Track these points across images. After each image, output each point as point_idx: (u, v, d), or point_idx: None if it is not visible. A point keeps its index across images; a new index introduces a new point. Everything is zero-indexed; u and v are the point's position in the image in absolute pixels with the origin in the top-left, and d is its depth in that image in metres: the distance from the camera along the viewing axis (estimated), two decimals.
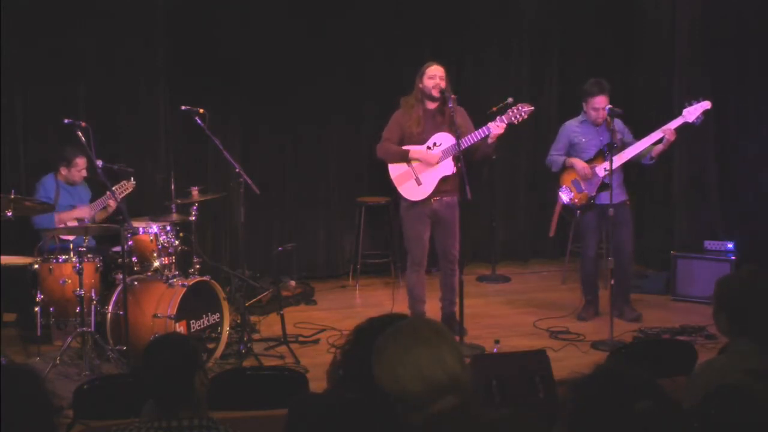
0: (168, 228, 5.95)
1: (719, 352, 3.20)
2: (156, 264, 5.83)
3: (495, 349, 5.51)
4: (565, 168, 6.54)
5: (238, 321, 5.97)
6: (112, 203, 6.27)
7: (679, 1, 7.82)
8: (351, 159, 8.18)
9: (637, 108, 7.65)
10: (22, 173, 6.87)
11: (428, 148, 5.98)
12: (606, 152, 6.23)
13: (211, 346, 5.66)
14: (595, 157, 6.40)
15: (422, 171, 5.98)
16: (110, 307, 5.55)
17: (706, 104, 6.20)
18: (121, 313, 5.45)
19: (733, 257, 6.96)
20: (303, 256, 7.91)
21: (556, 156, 6.61)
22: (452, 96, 5.89)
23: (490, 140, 5.88)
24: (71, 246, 5.62)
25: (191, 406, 2.70)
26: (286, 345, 5.85)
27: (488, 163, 7.93)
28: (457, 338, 5.42)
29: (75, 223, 6.18)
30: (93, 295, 5.53)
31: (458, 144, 5.73)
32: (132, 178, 6.35)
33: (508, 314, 6.93)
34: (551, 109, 8.70)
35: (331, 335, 6.20)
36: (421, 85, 5.96)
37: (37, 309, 5.50)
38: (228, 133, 7.47)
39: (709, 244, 7.17)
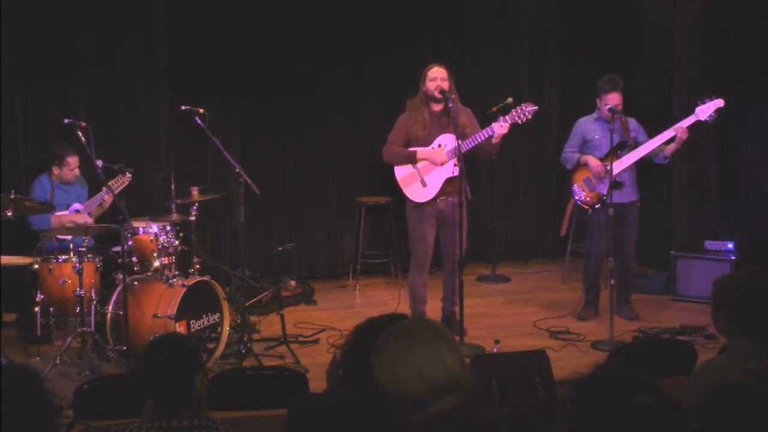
0: (168, 228, 5.95)
1: (719, 352, 3.19)
2: (156, 264, 5.83)
3: (495, 349, 5.51)
4: (579, 165, 6.52)
5: (238, 321, 5.97)
6: (108, 198, 6.25)
7: (679, 1, 7.82)
8: (351, 159, 8.18)
9: (637, 108, 7.62)
10: (22, 173, 6.87)
11: (433, 149, 5.99)
12: (618, 150, 6.27)
13: (211, 346, 5.66)
14: (608, 155, 6.39)
15: (427, 173, 5.99)
16: (110, 307, 5.55)
17: (719, 102, 6.17)
18: (121, 313, 5.45)
19: (733, 257, 6.96)
20: (303, 256, 7.91)
21: (570, 153, 6.60)
22: (452, 96, 5.90)
23: (494, 140, 5.89)
24: (71, 246, 5.62)
25: (191, 406, 2.70)
26: (286, 345, 5.85)
27: (488, 163, 7.93)
28: (457, 338, 5.42)
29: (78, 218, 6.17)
30: (93, 295, 5.53)
31: (458, 146, 5.72)
32: (128, 173, 6.32)
33: (508, 314, 6.93)
34: (551, 109, 8.70)
35: (331, 335, 6.20)
36: (423, 88, 5.98)
37: (37, 309, 5.50)
38: (228, 133, 7.47)
39: (709, 244, 7.17)
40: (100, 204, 6.35)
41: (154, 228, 5.88)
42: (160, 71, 7.41)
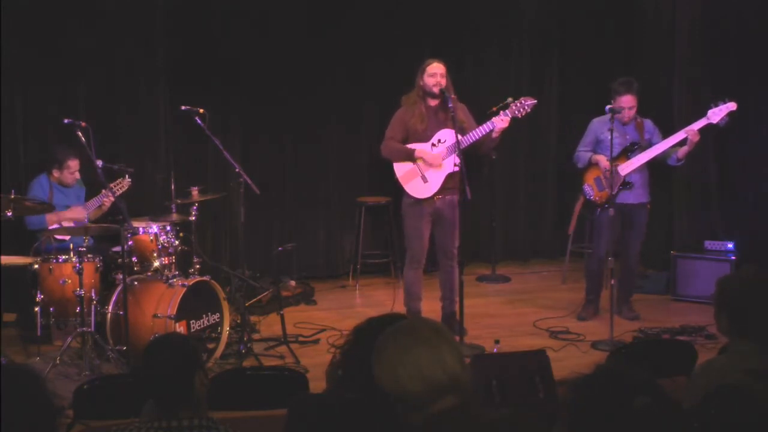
0: (168, 228, 5.95)
1: (719, 352, 3.20)
2: (156, 264, 5.83)
3: (495, 349, 5.51)
4: (590, 165, 6.52)
5: (238, 321, 5.97)
6: (107, 201, 6.25)
7: (679, 1, 7.82)
8: (351, 159, 8.18)
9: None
10: (22, 173, 6.87)
11: (433, 145, 6.00)
12: (629, 151, 6.28)
13: (211, 346, 5.66)
14: (619, 156, 6.39)
15: (428, 168, 5.99)
16: (110, 307, 5.55)
17: (732, 105, 6.13)
18: (121, 313, 5.45)
19: (733, 257, 6.96)
20: (303, 256, 7.91)
21: (582, 152, 6.59)
22: (452, 96, 5.90)
23: (494, 135, 5.90)
24: (71, 246, 5.62)
25: (191, 406, 2.70)
26: (286, 345, 5.85)
27: (488, 163, 7.93)
28: (457, 338, 5.42)
29: (70, 223, 6.17)
30: (93, 295, 5.53)
31: (458, 143, 5.72)
32: (127, 176, 6.32)
33: (508, 314, 6.93)
34: (551, 109, 8.70)
35: (331, 335, 6.20)
36: (421, 83, 5.98)
37: (37, 309, 5.49)
38: (228, 133, 7.47)
39: (709, 244, 7.17)
40: (99, 206, 6.34)
41: (154, 228, 5.88)
42: (160, 71, 7.41)
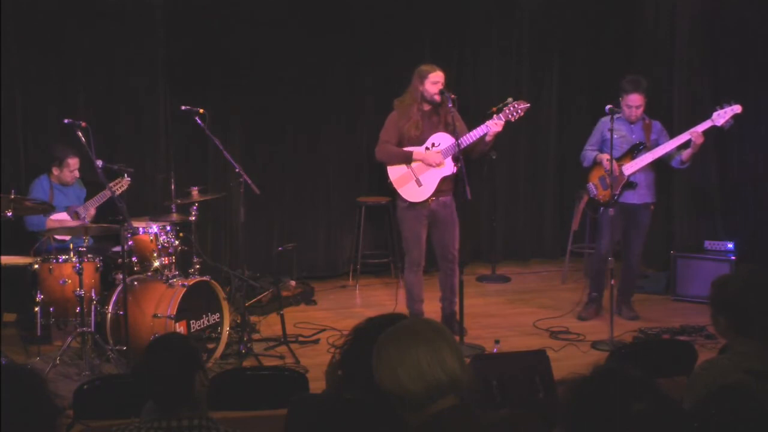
0: (168, 228, 5.95)
1: (719, 352, 3.19)
2: (156, 264, 5.83)
3: (495, 349, 5.51)
4: (595, 164, 6.52)
5: (238, 321, 5.97)
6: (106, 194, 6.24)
7: (679, 1, 7.82)
8: (351, 159, 8.18)
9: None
10: (22, 173, 6.87)
11: (426, 149, 5.98)
12: (635, 151, 6.28)
13: (211, 346, 5.66)
14: (624, 155, 6.38)
15: (422, 172, 5.98)
16: (110, 307, 5.55)
17: (737, 108, 6.10)
18: (121, 313, 5.45)
19: (733, 257, 6.96)
20: (303, 256, 7.91)
21: (588, 151, 6.59)
22: (452, 96, 5.89)
23: (488, 138, 5.89)
24: (71, 246, 5.62)
25: (191, 406, 2.70)
26: (286, 345, 5.86)
27: (488, 163, 7.93)
28: (457, 338, 5.43)
29: (72, 223, 6.17)
30: (93, 295, 5.53)
31: (458, 144, 5.73)
32: (126, 175, 6.33)
33: (508, 314, 6.93)
34: (551, 109, 8.70)
35: (331, 335, 6.20)
36: (422, 88, 5.94)
37: (37, 309, 5.50)
38: (228, 133, 7.47)
39: (709, 244, 7.17)
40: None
41: (154, 228, 5.88)
42: (160, 71, 7.41)
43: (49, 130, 6.85)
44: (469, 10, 8.39)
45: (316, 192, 8.13)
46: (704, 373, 2.94)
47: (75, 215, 6.23)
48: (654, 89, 8.03)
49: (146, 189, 7.11)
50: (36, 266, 5.58)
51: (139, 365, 3.60)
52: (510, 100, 5.97)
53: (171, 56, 7.43)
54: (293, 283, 7.47)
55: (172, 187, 6.59)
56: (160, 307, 5.44)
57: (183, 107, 6.01)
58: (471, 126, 5.98)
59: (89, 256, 5.62)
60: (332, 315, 6.89)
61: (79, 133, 5.50)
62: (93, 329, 5.46)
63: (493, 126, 5.83)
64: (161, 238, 5.85)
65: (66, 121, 5.54)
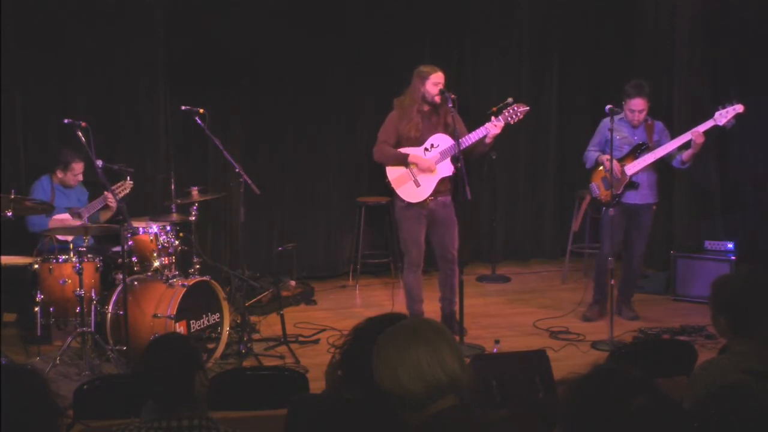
0: (168, 228, 5.95)
1: (719, 352, 3.19)
2: (156, 264, 5.83)
3: (495, 349, 5.51)
4: (598, 164, 6.52)
5: (238, 321, 5.97)
6: (113, 203, 6.25)
7: (679, 1, 7.82)
8: (351, 159, 8.18)
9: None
10: (22, 173, 6.87)
11: (426, 149, 5.98)
12: (637, 152, 6.28)
13: (211, 346, 5.66)
14: (627, 156, 6.38)
15: (420, 173, 5.98)
16: (110, 307, 5.55)
17: (739, 108, 6.10)
18: (121, 313, 5.45)
19: (733, 257, 6.96)
20: (303, 256, 7.91)
21: (591, 152, 6.59)
22: (452, 96, 5.89)
23: (487, 140, 5.89)
24: (71, 246, 5.62)
25: (191, 406, 2.70)
26: (286, 345, 5.86)
27: (488, 163, 7.93)
28: (457, 338, 5.43)
29: (74, 223, 6.17)
30: (93, 295, 5.53)
31: (458, 145, 5.73)
32: (129, 178, 6.34)
33: (508, 314, 6.93)
34: (551, 109, 8.70)
35: (331, 335, 6.20)
36: (422, 89, 5.94)
37: (37, 309, 5.50)
38: (228, 132, 7.47)
39: (709, 244, 7.17)
40: (107, 207, 6.35)
41: (154, 228, 5.88)
42: (160, 71, 7.41)
43: (49, 130, 6.85)
44: (469, 10, 8.39)
45: (316, 192, 8.13)
46: (704, 373, 2.94)
47: (77, 216, 6.24)
48: (654, 89, 8.05)
49: (146, 189, 7.11)
50: (36, 266, 5.58)
51: (139, 365, 3.61)
52: (510, 100, 5.97)
53: (171, 56, 7.43)
54: (293, 283, 7.47)
55: (172, 187, 6.59)
56: (160, 307, 5.44)
57: (183, 107, 6.01)
58: (471, 127, 5.98)
59: (89, 256, 5.63)
60: (332, 315, 6.89)
61: (79, 133, 5.50)
62: (93, 329, 5.46)
63: (492, 128, 5.84)
64: (161, 238, 5.85)
65: (66, 121, 5.54)
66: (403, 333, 2.29)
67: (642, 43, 8.40)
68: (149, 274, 5.81)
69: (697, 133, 6.16)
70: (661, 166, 6.50)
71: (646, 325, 6.38)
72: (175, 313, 5.39)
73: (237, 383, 4.28)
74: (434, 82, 5.91)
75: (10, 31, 6.71)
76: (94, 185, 6.40)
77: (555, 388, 4.23)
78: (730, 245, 7.06)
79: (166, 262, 5.85)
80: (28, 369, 2.28)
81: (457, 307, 5.98)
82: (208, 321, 5.68)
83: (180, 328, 5.43)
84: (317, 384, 3.59)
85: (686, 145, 6.27)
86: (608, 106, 6.20)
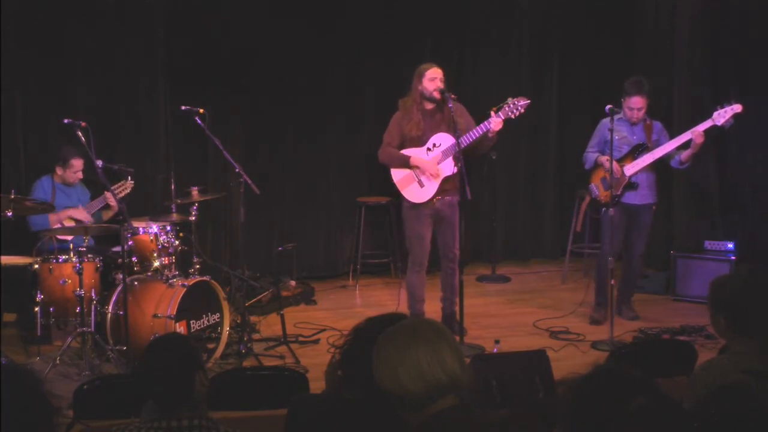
0: (168, 228, 5.95)
1: (719, 352, 3.19)
2: (156, 264, 5.83)
3: (495, 349, 5.51)
4: (597, 165, 6.51)
5: (238, 321, 5.97)
6: (113, 203, 6.25)
7: (679, 1, 7.82)
8: (351, 159, 8.18)
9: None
10: (22, 173, 6.87)
11: (428, 149, 5.99)
12: (636, 152, 6.28)
13: (211, 346, 5.66)
14: (626, 156, 6.38)
15: (424, 173, 5.98)
16: (110, 307, 5.55)
17: (737, 107, 6.09)
18: (121, 313, 5.45)
19: (733, 257, 6.96)
20: (303, 256, 7.91)
21: (590, 153, 6.58)
22: (452, 96, 5.89)
23: (490, 135, 5.90)
24: (71, 246, 5.62)
25: (191, 406, 2.70)
26: (286, 345, 5.86)
27: (488, 163, 7.93)
28: (457, 338, 5.43)
29: (71, 223, 6.18)
30: (93, 295, 5.53)
31: (458, 144, 5.73)
32: (130, 177, 6.34)
33: (508, 314, 6.93)
34: (551, 109, 8.70)
35: (331, 335, 6.20)
36: (420, 87, 5.95)
37: (37, 309, 5.50)
38: (228, 132, 7.46)
39: (709, 244, 7.17)
40: (108, 207, 6.35)
41: (154, 228, 5.88)
42: (160, 71, 7.41)
43: (49, 130, 6.85)
44: (469, 10, 8.39)
45: (316, 192, 8.13)
46: (704, 373, 2.94)
47: (90, 208, 6.26)
48: (654, 89, 8.05)
49: (146, 189, 7.11)
50: (36, 266, 5.58)
51: (139, 365, 3.61)
52: (510, 100, 5.98)
53: (171, 56, 7.43)
54: (293, 283, 7.47)
55: (172, 187, 6.59)
56: (160, 307, 5.44)
57: (183, 107, 6.01)
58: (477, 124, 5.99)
59: (89, 256, 5.63)
60: (332, 315, 6.89)
61: (79, 133, 5.49)
62: (93, 329, 5.46)
63: (495, 124, 5.84)
64: (161, 238, 5.85)
65: (66, 121, 5.53)
66: (403, 333, 2.29)
67: (642, 43, 8.40)
68: (149, 274, 5.81)
69: (696, 133, 6.16)
70: (660, 166, 6.50)
71: (646, 325, 6.38)
72: (175, 313, 5.39)
73: (237, 383, 4.28)
74: (430, 78, 5.91)
75: (10, 31, 6.71)
76: (95, 185, 6.40)
77: (555, 388, 4.24)
78: (730, 245, 7.06)
79: (166, 262, 5.85)
80: (23, 368, 2.28)
81: (457, 307, 5.99)
82: (208, 321, 5.68)
83: (180, 328, 5.43)
84: (317, 384, 3.59)
85: (685, 146, 6.27)
86: (608, 106, 6.19)
